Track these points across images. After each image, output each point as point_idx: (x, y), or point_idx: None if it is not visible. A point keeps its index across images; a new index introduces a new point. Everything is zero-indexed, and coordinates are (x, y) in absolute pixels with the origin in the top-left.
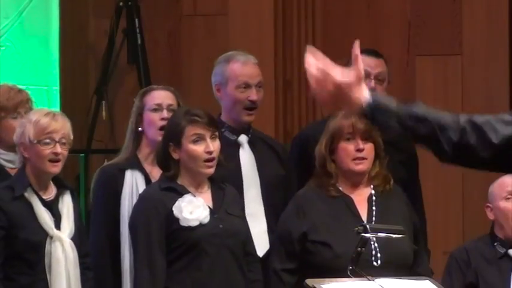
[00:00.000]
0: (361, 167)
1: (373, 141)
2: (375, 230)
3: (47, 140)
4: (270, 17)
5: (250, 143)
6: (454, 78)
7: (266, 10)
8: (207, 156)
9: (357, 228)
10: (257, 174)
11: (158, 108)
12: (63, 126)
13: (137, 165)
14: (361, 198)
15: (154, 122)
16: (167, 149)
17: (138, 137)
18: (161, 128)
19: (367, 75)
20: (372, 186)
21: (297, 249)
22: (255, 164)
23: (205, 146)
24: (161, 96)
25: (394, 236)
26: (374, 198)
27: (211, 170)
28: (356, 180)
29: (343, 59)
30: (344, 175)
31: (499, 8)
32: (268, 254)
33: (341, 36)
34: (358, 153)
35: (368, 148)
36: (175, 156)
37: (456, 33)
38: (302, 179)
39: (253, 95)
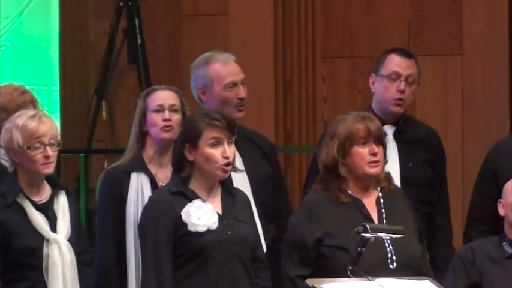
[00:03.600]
0: (376, 170)
1: (382, 145)
2: (375, 230)
3: (37, 145)
4: (270, 17)
5: (236, 143)
6: (454, 78)
7: (266, 10)
8: (224, 161)
9: (357, 229)
10: (246, 175)
11: (160, 109)
12: (50, 128)
13: (142, 168)
14: (370, 200)
15: (157, 123)
16: (182, 149)
17: (142, 138)
18: (164, 127)
19: (398, 75)
20: (378, 188)
21: (311, 255)
22: (242, 165)
23: (222, 151)
24: (163, 97)
25: (394, 236)
26: (382, 200)
27: (227, 175)
28: (367, 183)
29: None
30: (355, 179)
31: (499, 8)
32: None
33: (341, 36)
34: (373, 157)
35: (380, 151)
36: (189, 157)
37: (456, 33)
38: None
39: (242, 92)
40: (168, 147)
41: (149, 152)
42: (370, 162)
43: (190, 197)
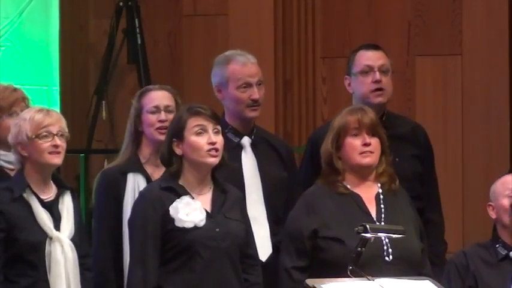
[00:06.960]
0: (368, 160)
1: (378, 137)
2: (375, 230)
3: (45, 134)
4: (270, 17)
5: (253, 145)
6: (454, 78)
7: (266, 10)
8: (209, 147)
9: (357, 229)
10: (259, 177)
11: (156, 110)
12: (58, 120)
13: (138, 168)
14: (369, 195)
15: (153, 123)
16: (171, 145)
17: (137, 138)
18: (159, 129)
19: (370, 68)
20: (379, 184)
21: (308, 247)
22: (256, 167)
23: (207, 138)
24: (158, 97)
25: (394, 236)
26: (381, 196)
27: (215, 160)
28: (363, 175)
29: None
30: (351, 170)
31: (499, 8)
32: (271, 258)
33: (341, 36)
34: (365, 148)
35: (374, 142)
36: (178, 151)
37: (456, 33)
38: (315, 179)
39: (255, 93)
40: None
41: (145, 152)
42: (362, 153)
43: (179, 192)
